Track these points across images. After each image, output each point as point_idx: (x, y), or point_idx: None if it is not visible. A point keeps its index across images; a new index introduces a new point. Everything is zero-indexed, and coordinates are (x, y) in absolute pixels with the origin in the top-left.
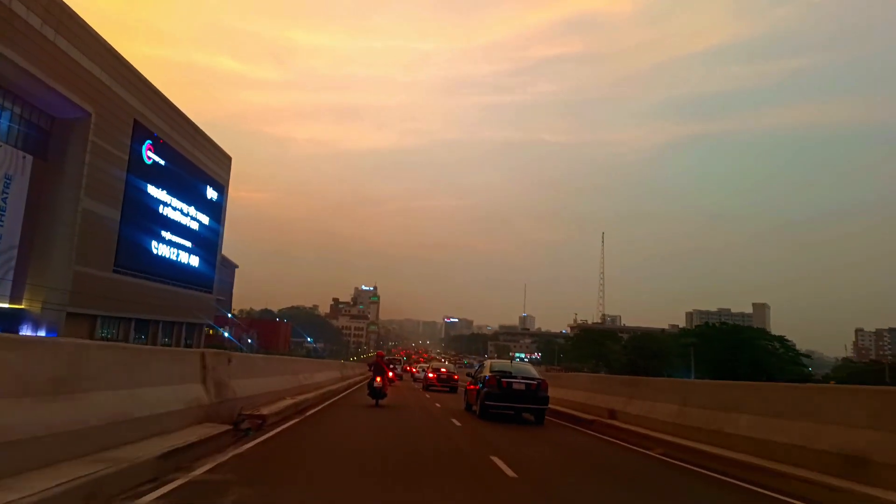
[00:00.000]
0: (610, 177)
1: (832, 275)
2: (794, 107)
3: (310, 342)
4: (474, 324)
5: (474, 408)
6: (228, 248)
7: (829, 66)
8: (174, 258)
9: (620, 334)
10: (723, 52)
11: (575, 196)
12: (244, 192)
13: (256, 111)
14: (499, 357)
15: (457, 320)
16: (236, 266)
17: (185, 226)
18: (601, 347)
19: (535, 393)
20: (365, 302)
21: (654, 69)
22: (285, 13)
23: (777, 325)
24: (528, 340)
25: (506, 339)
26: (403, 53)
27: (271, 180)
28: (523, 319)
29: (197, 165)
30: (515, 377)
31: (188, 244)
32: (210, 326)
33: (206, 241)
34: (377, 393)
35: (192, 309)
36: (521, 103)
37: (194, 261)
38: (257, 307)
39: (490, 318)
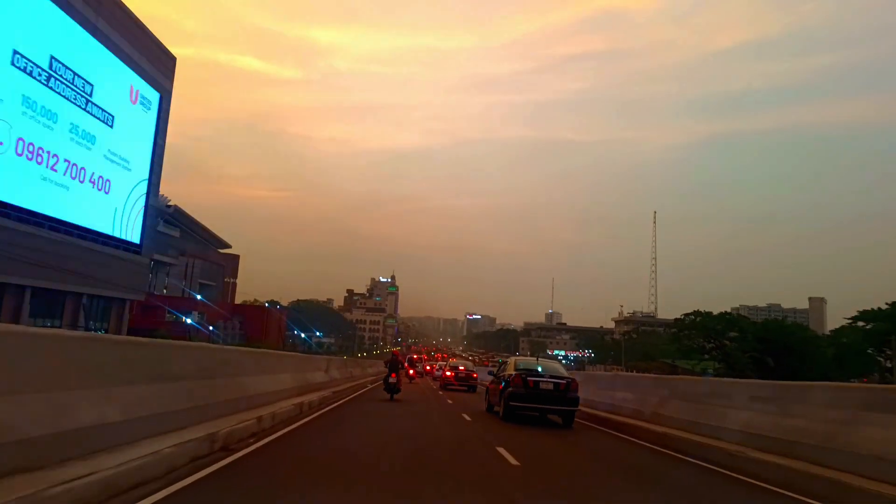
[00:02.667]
0: (633, 176)
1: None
2: (821, 105)
3: (318, 336)
4: (497, 321)
5: (496, 409)
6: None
7: (859, 63)
8: (57, 183)
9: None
10: (748, 49)
11: (597, 195)
12: (265, 191)
13: (278, 110)
14: (532, 355)
15: (479, 317)
16: (229, 245)
17: (84, 132)
18: (718, 339)
19: (565, 393)
20: (382, 294)
21: (678, 67)
22: (308, 12)
23: (835, 322)
24: (565, 336)
25: (540, 335)
26: (425, 52)
27: (293, 179)
28: (550, 316)
29: (104, 45)
30: (543, 376)
31: (89, 167)
32: (165, 311)
33: (127, 172)
34: (392, 388)
35: (107, 276)
36: (542, 102)
37: (105, 201)
38: (269, 302)
39: (513, 316)
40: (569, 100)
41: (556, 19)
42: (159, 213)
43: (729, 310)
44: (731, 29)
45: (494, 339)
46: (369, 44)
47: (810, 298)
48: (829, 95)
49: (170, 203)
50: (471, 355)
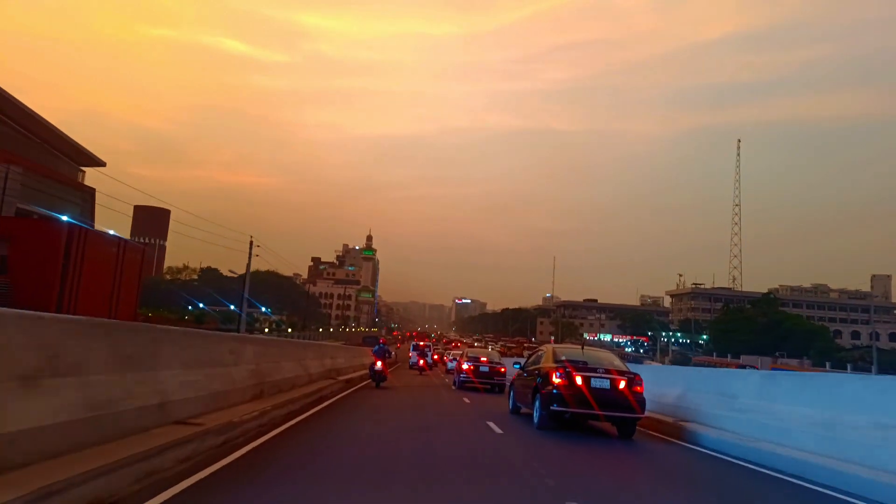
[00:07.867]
0: (620, 167)
1: None
2: (807, 98)
3: (265, 312)
4: (488, 306)
5: (525, 411)
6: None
7: (845, 56)
8: None
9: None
10: (736, 40)
11: (583, 185)
12: (250, 177)
13: (264, 95)
14: (559, 340)
15: (469, 301)
16: (102, 163)
17: None
18: None
19: (626, 393)
20: (357, 263)
21: (666, 57)
22: None
23: None
24: (600, 315)
25: (566, 314)
26: (413, 39)
27: (277, 165)
28: (549, 299)
29: None
30: (595, 370)
31: None
32: None
33: None
34: (377, 376)
35: None
36: (530, 90)
37: None
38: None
39: (503, 301)
40: (556, 89)
41: (544, 8)
42: None
43: (766, 291)
44: (719, 20)
45: (497, 322)
46: (356, 29)
47: (873, 276)
48: (817, 89)
49: None
50: (476, 341)
